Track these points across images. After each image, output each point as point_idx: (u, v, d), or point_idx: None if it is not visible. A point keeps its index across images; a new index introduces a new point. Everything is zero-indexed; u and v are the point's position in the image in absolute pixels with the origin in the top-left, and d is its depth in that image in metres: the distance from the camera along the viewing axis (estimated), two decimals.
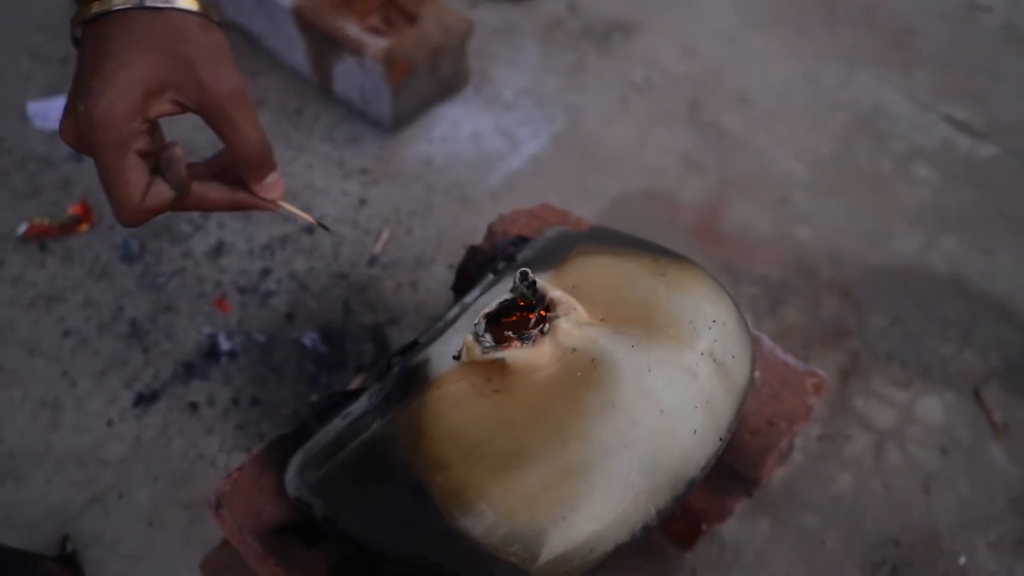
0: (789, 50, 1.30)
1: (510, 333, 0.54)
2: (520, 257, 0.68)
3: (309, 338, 0.90)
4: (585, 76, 1.21)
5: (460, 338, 0.57)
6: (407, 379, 0.58)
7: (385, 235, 0.99)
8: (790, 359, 0.72)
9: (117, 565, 0.75)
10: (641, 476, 0.49)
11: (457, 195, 1.05)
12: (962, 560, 0.83)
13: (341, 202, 1.02)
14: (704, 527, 0.76)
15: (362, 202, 1.03)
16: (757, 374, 0.71)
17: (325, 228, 0.54)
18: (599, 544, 0.49)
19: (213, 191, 0.50)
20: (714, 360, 0.54)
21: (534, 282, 0.56)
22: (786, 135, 1.18)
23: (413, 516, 0.51)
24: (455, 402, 0.53)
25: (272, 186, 0.50)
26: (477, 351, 0.53)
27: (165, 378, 0.87)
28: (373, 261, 0.97)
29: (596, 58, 1.23)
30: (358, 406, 0.60)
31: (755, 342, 0.69)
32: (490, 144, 1.10)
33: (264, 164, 0.48)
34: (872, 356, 0.97)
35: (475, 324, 0.55)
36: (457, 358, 0.55)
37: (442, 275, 0.98)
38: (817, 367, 0.73)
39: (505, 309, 0.57)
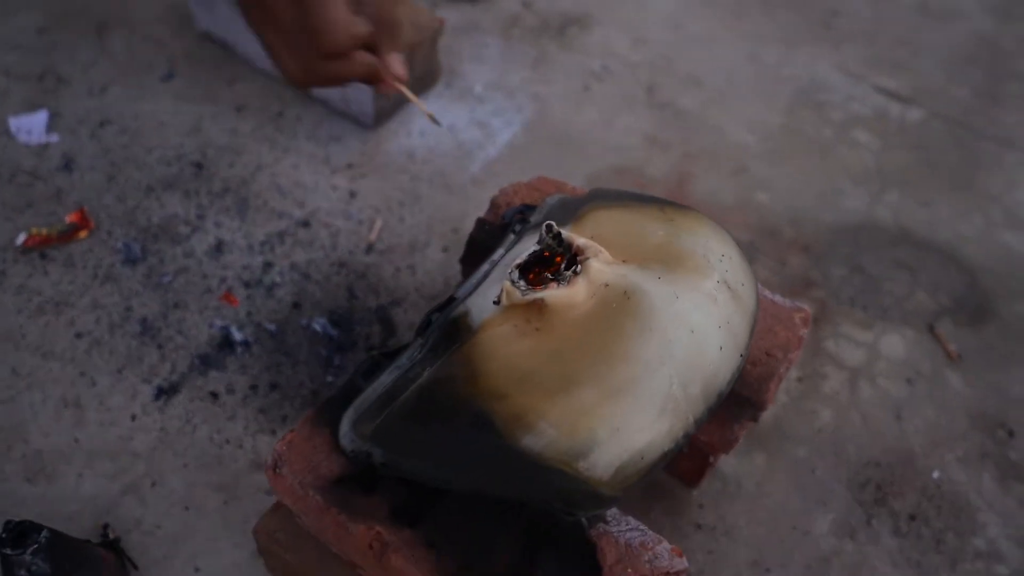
0: (731, 33, 1.39)
1: (548, 275, 0.60)
2: (532, 220, 0.74)
3: (319, 323, 0.94)
4: (547, 68, 1.27)
5: (495, 290, 0.63)
6: (450, 330, 0.63)
7: (378, 224, 1.04)
8: (778, 298, 0.79)
9: (159, 548, 0.78)
10: (680, 389, 0.56)
11: (441, 184, 1.10)
12: (936, 475, 0.92)
13: (331, 196, 1.06)
14: (711, 459, 0.83)
15: (352, 195, 1.07)
16: None
17: (435, 121, 0.72)
18: (648, 452, 0.55)
19: (369, 56, 0.62)
20: (728, 287, 0.61)
21: (559, 233, 0.62)
22: (737, 111, 1.27)
23: (477, 443, 0.56)
24: (502, 342, 0.59)
25: (398, 63, 0.65)
26: (517, 294, 0.59)
27: (183, 371, 0.89)
28: (370, 249, 1.02)
29: (555, 51, 1.30)
30: (403, 361, 0.65)
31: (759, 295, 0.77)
32: (466, 135, 1.16)
33: (397, 37, 0.61)
34: (837, 303, 1.06)
35: (510, 272, 0.60)
36: (497, 303, 0.60)
37: (437, 258, 1.03)
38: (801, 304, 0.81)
39: (533, 260, 0.63)
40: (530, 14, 1.35)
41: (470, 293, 0.66)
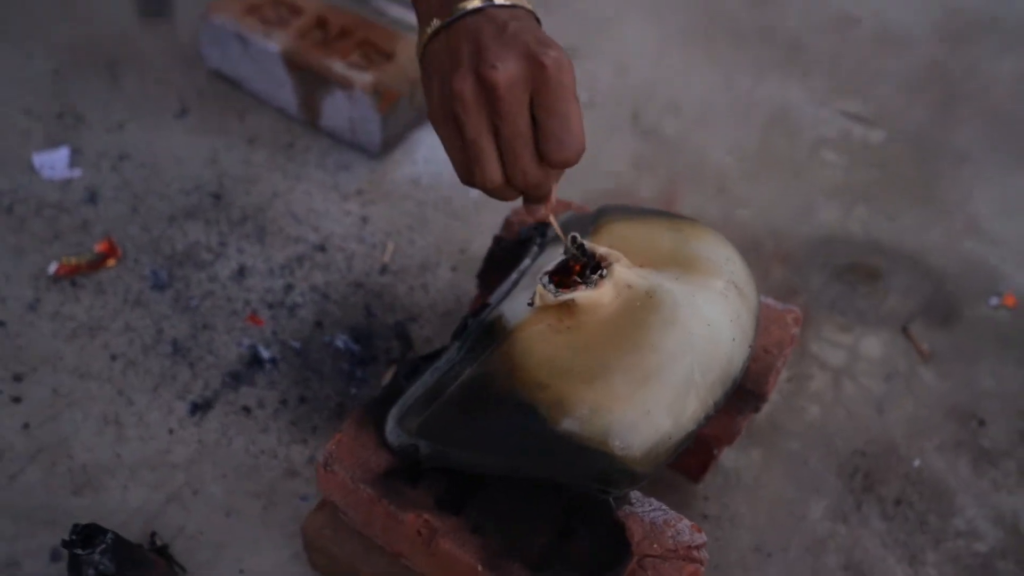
0: (706, 63, 1.49)
1: (577, 278, 0.67)
2: (548, 234, 0.81)
3: (341, 340, 0.99)
4: None
5: (525, 295, 0.70)
6: (487, 332, 0.69)
7: (390, 246, 1.10)
8: (770, 301, 0.87)
9: (204, 553, 0.83)
10: (700, 375, 0.63)
11: (445, 208, 1.17)
12: (916, 463, 1.00)
13: (345, 221, 1.13)
14: (716, 452, 0.90)
15: (364, 220, 1.13)
16: None
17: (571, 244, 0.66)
18: (675, 432, 0.62)
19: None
20: (735, 286, 0.68)
21: (583, 244, 0.69)
22: (716, 134, 1.36)
23: (522, 429, 0.62)
24: (538, 339, 0.66)
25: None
26: (550, 296, 0.66)
27: (215, 387, 0.94)
28: (384, 270, 1.08)
29: None
30: (443, 363, 0.71)
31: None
32: None
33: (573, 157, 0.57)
34: (818, 309, 1.14)
35: (540, 278, 0.68)
36: (531, 304, 0.67)
37: (447, 276, 1.09)
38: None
39: (560, 269, 0.69)
40: None
41: (502, 299, 0.72)
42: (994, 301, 1.19)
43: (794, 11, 1.63)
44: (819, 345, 1.10)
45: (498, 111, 0.55)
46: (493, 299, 0.74)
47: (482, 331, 0.70)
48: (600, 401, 0.61)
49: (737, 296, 0.68)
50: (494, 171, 0.58)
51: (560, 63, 0.55)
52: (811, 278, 1.18)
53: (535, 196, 0.62)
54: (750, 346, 0.68)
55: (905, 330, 1.14)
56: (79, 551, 0.68)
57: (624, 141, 1.32)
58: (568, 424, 0.61)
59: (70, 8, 1.34)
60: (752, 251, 1.20)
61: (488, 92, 0.55)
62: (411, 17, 1.39)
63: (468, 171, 0.59)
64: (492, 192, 0.60)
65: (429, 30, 0.59)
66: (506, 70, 0.54)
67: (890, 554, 0.92)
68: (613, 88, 1.40)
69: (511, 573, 0.66)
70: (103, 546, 0.69)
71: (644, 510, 0.70)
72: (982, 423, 1.05)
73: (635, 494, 0.70)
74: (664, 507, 0.71)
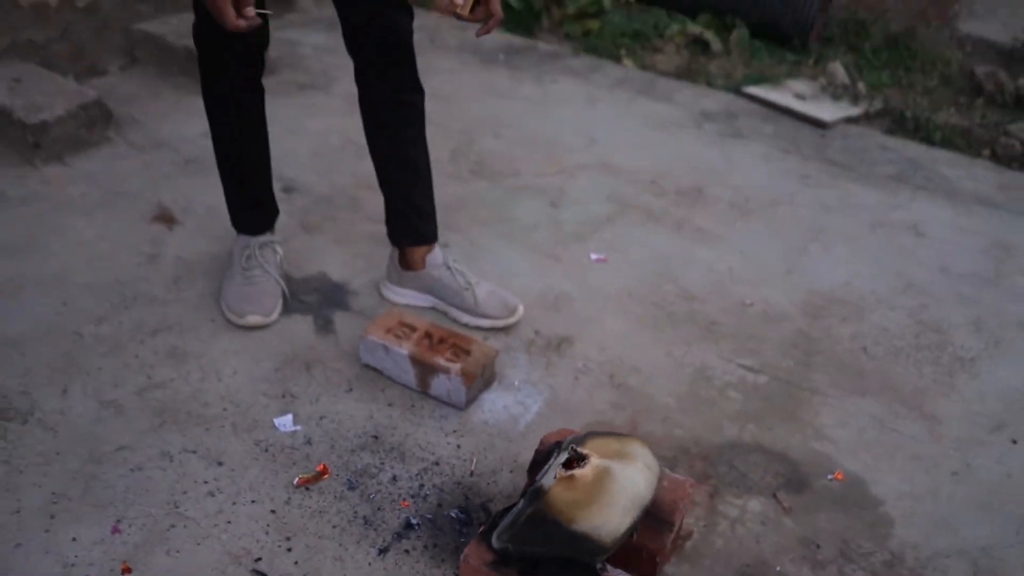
0: (652, 340, 2.42)
1: (575, 464, 1.52)
2: (563, 448, 1.67)
3: (453, 512, 1.82)
4: (553, 368, 2.27)
5: (552, 474, 1.55)
6: (536, 492, 1.54)
7: (474, 460, 1.96)
8: (679, 476, 1.71)
9: None
10: (631, 504, 1.47)
11: (504, 437, 2.04)
12: (778, 568, 1.78)
13: (448, 448, 2.00)
14: (658, 560, 1.69)
15: (458, 446, 2.00)
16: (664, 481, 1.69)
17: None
18: (623, 529, 1.45)
19: None
20: (646, 466, 1.54)
21: (576, 449, 1.56)
22: (661, 385, 2.25)
23: (553, 532, 1.45)
24: (560, 493, 1.50)
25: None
26: (562, 473, 1.51)
27: (390, 540, 1.76)
28: (472, 474, 1.93)
29: (556, 358, 2.31)
30: (517, 507, 1.55)
31: (663, 470, 1.69)
32: (514, 410, 2.12)
33: None
34: (724, 485, 1.97)
35: (557, 467, 1.53)
36: (556, 478, 1.52)
37: (507, 476, 1.94)
38: (690, 479, 1.74)
39: (566, 462, 1.56)
40: (539, 337, 2.38)
41: (542, 478, 1.57)
42: (829, 476, 2.01)
43: (710, 301, 2.59)
44: (723, 505, 1.92)
45: None
46: (538, 478, 1.59)
47: (534, 492, 1.54)
48: (590, 517, 1.44)
49: (647, 470, 1.53)
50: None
51: None
52: (720, 468, 2.01)
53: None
54: (653, 490, 1.52)
55: (775, 495, 1.95)
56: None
57: (605, 393, 2.21)
58: (575, 527, 1.44)
59: (278, 332, 2.30)
60: (683, 453, 2.04)
61: None
62: (476, 321, 2.35)
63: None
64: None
65: None
66: None
67: None
68: (598, 360, 2.32)
69: None
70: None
71: (613, 572, 1.50)
72: (818, 547, 1.84)
73: (608, 565, 1.51)
74: (624, 572, 1.51)
